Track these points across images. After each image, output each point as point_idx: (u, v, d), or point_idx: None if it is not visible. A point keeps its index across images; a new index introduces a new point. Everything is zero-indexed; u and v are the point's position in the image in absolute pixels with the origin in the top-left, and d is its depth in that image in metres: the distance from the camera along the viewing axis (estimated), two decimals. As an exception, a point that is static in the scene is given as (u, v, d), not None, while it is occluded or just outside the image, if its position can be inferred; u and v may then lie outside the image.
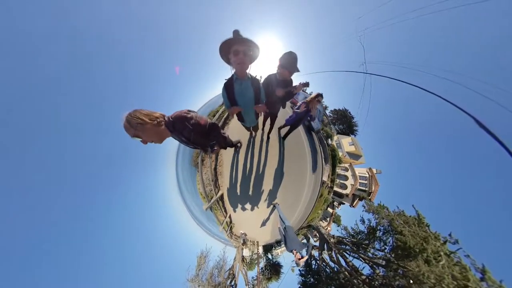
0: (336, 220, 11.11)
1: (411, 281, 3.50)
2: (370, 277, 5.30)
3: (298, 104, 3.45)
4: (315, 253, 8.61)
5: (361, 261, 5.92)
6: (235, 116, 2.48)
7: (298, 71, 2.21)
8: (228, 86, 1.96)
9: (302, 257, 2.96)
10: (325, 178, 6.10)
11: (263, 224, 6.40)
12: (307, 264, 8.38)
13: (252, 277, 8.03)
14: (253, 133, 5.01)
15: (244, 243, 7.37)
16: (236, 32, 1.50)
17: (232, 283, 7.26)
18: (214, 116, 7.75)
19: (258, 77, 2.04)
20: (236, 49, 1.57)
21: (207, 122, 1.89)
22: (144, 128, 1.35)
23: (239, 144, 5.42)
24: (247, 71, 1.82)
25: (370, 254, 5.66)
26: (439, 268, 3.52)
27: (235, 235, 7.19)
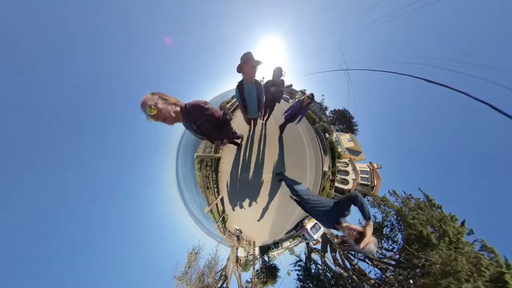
0: (336, 223, 10.14)
1: (438, 275, 2.67)
2: (379, 281, 4.42)
3: (294, 101, 4.07)
4: (314, 256, 7.64)
5: (368, 263, 5.04)
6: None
7: (283, 75, 3.39)
8: (240, 87, 2.69)
9: (358, 231, 1.57)
10: (325, 169, 5.43)
11: (261, 223, 5.63)
12: (306, 268, 7.40)
13: (246, 280, 7.02)
14: (253, 126, 5.28)
15: (238, 240, 6.50)
16: (250, 54, 2.22)
17: (224, 285, 6.28)
18: (228, 103, 7.37)
19: (260, 81, 2.81)
20: (253, 64, 2.29)
21: (221, 115, 2.01)
22: (166, 102, 1.45)
23: (239, 140, 5.43)
24: (253, 78, 2.57)
25: (378, 255, 4.81)
26: (469, 248, 2.75)
27: (228, 231, 6.36)
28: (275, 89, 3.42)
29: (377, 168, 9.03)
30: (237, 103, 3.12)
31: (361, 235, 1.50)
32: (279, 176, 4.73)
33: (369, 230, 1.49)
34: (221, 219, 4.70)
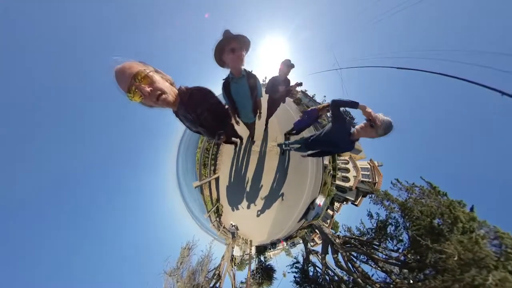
0: (334, 226, 9.56)
1: (457, 270, 2.20)
2: (385, 284, 3.87)
3: (309, 109, 3.48)
4: (313, 258, 7.03)
5: (371, 266, 4.49)
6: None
7: (293, 67, 2.65)
8: (226, 86, 1.93)
9: (366, 120, 1.55)
10: (326, 162, 5.04)
11: (260, 221, 5.15)
12: (303, 270, 6.77)
13: (241, 281, 6.37)
14: (250, 131, 3.95)
15: (234, 237, 5.94)
16: (228, 31, 1.44)
17: (217, 285, 5.65)
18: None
19: (254, 73, 1.94)
20: (233, 47, 1.47)
21: (225, 108, 1.74)
22: (160, 77, 1.04)
23: (238, 141, 4.78)
24: (243, 67, 1.75)
25: (382, 255, 4.27)
26: (488, 228, 2.35)
27: (223, 226, 5.82)
28: (285, 89, 2.82)
29: (378, 166, 8.66)
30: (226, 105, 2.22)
31: (369, 120, 1.49)
32: (281, 146, 4.35)
33: (366, 108, 1.49)
34: (214, 209, 4.17)
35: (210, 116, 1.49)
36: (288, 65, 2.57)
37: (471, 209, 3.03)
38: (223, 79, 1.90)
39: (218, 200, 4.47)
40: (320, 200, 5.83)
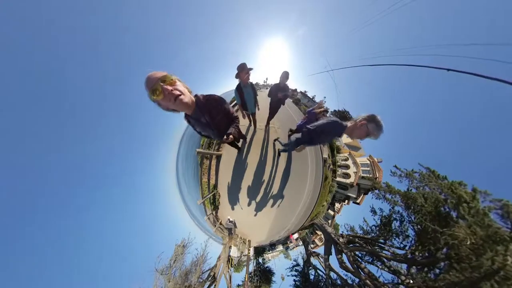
0: (335, 228, 9.07)
1: (471, 255, 1.89)
2: (394, 285, 3.48)
3: (308, 110, 3.81)
4: (314, 260, 6.53)
5: (378, 266, 4.09)
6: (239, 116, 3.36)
7: (288, 79, 3.36)
8: (239, 89, 3.15)
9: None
10: (325, 156, 4.83)
11: (260, 222, 4.82)
12: (304, 273, 6.25)
13: (238, 284, 5.87)
14: (253, 121, 5.10)
15: (230, 234, 5.54)
16: (245, 64, 2.73)
17: (212, 287, 5.17)
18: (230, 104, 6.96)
19: (264, 82, 3.38)
20: (248, 72, 2.80)
21: (234, 113, 2.01)
22: (182, 84, 1.29)
23: (240, 144, 5.12)
24: (249, 81, 3.03)
25: (389, 253, 3.89)
26: (490, 197, 2.11)
27: (220, 222, 5.44)
28: (282, 95, 3.46)
29: (377, 162, 8.48)
30: (237, 103, 3.46)
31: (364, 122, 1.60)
32: (281, 150, 4.26)
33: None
34: (210, 196, 3.85)
35: (223, 119, 1.78)
36: (286, 76, 3.24)
37: (474, 190, 2.81)
38: (236, 86, 3.09)
39: (215, 186, 4.16)
40: (294, 236, 6.83)
